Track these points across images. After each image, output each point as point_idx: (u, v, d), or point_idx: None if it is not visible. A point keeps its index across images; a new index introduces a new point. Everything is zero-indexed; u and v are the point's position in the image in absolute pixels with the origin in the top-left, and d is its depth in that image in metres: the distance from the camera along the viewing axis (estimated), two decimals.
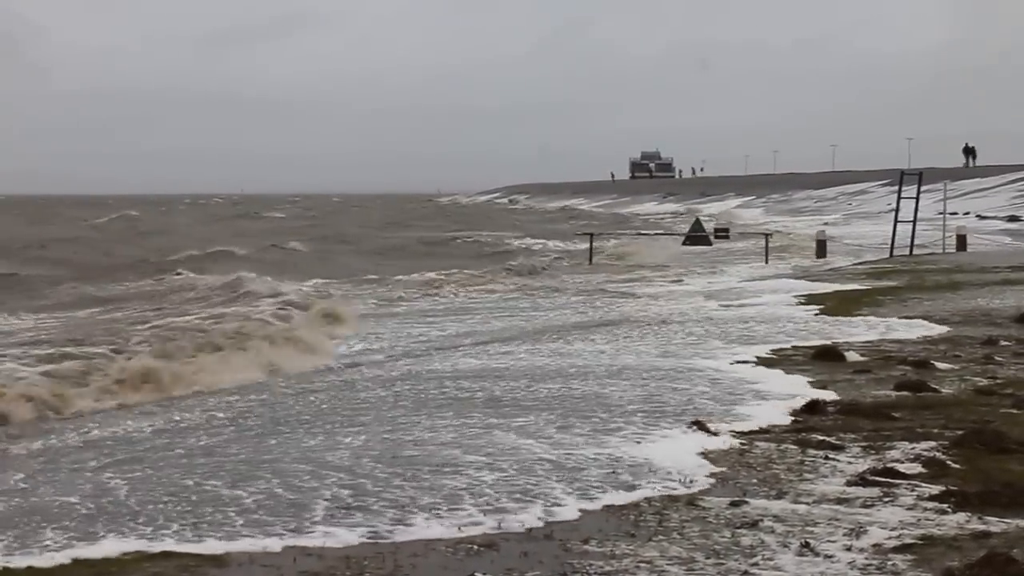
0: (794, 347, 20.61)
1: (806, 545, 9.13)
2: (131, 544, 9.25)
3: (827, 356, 19.38)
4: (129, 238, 76.51)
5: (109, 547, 9.19)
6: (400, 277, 44.94)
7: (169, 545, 9.24)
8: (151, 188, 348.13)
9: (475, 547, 9.18)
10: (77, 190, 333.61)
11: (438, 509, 10.08)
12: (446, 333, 27.24)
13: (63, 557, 9.00)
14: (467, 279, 43.01)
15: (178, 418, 16.30)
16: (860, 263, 44.50)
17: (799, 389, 16.25)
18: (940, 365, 18.38)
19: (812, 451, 12.50)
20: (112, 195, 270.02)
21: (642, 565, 8.75)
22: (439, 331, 27.73)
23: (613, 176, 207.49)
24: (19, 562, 8.87)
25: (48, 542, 9.36)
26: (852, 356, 19.43)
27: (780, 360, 19.25)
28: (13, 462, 14.05)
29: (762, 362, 19.03)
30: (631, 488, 10.85)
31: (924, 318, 24.47)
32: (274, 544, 9.25)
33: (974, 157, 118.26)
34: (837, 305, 28.04)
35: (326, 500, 10.41)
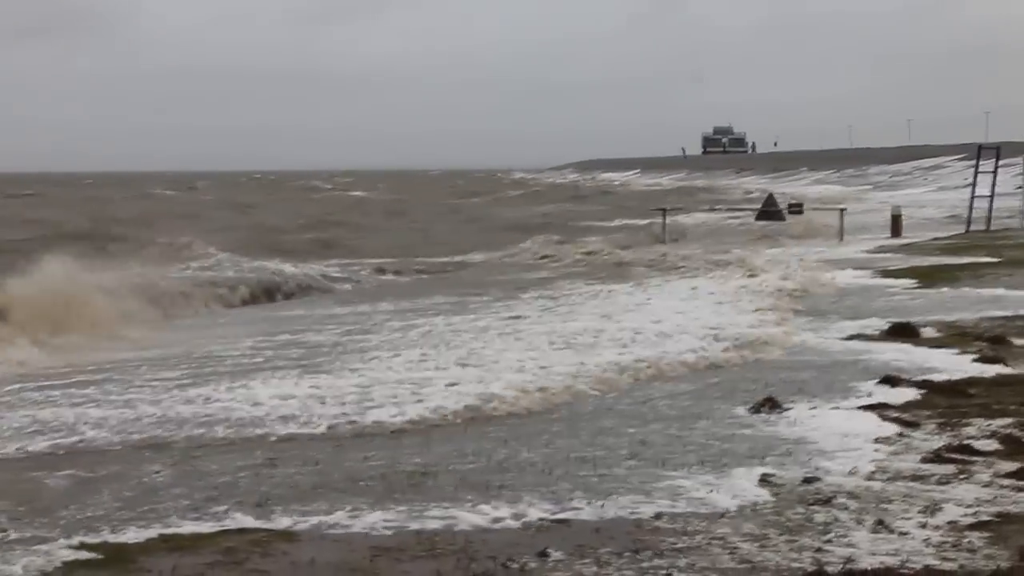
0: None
1: (880, 522, 9.08)
2: None
3: (902, 333, 19.23)
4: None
5: None
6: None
7: None
8: (239, 165, 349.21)
9: None
10: (168, 167, 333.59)
11: None
12: None
13: None
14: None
15: None
16: (936, 239, 44.04)
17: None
18: (1016, 341, 18.19)
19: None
20: (208, 172, 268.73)
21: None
22: None
23: (684, 151, 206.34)
24: None
25: None
26: (927, 332, 19.26)
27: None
28: None
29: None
30: None
31: None
32: None
33: None
34: (920, 279, 27.88)
35: None
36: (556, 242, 44.96)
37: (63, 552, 8.74)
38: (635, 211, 66.21)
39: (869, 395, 14.18)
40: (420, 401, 14.23)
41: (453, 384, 15.13)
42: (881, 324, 20.18)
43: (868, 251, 39.48)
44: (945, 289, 25.97)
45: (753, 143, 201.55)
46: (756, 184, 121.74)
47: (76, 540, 9.03)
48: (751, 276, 29.34)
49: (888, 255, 36.90)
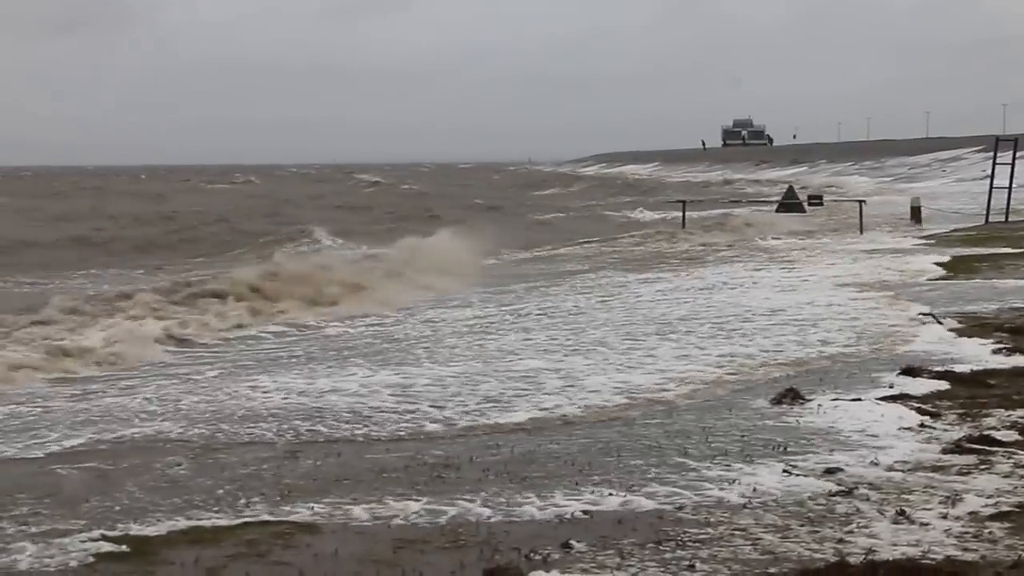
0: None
1: (902, 513, 9.09)
2: None
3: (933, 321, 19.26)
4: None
5: None
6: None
7: None
8: (267, 158, 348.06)
9: None
10: (196, 160, 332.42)
11: None
12: None
13: None
14: None
15: None
16: (956, 230, 43.93)
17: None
18: None
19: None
20: (237, 165, 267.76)
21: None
22: None
23: (704, 144, 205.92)
24: None
25: None
26: (949, 323, 19.24)
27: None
28: None
29: None
30: None
31: None
32: None
33: None
34: (941, 270, 27.95)
35: None
36: (666, 233, 46.44)
37: (85, 545, 8.81)
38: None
39: (891, 386, 14.17)
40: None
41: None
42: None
43: (889, 242, 39.42)
44: (965, 280, 25.91)
45: (770, 136, 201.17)
46: (780, 175, 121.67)
47: (98, 533, 9.09)
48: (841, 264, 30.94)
49: (909, 246, 36.85)
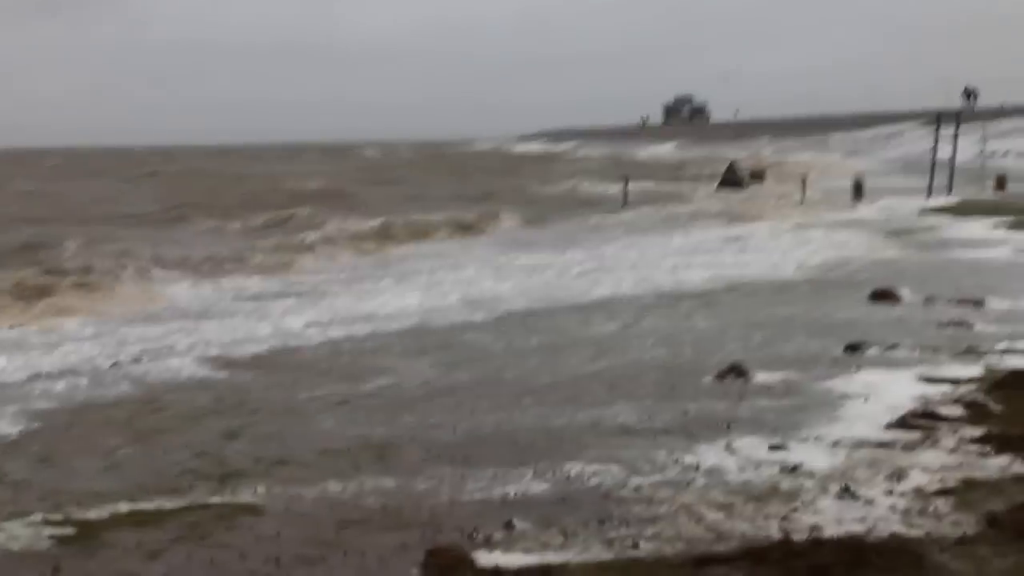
0: None
1: (846, 489, 9.05)
2: None
3: (883, 297, 19.42)
4: None
5: None
6: None
7: None
8: (244, 138, 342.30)
9: None
10: (175, 141, 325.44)
11: None
12: None
13: None
14: None
15: None
16: (898, 203, 44.13)
17: None
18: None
19: None
20: (223, 145, 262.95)
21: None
22: None
23: (643, 121, 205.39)
24: None
25: None
26: (906, 296, 19.38)
27: None
28: None
29: None
30: None
31: None
32: None
33: (975, 99, 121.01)
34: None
35: None
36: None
37: (27, 529, 8.65)
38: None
39: (835, 362, 14.16)
40: None
41: None
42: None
43: (835, 216, 39.51)
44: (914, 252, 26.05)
45: (708, 112, 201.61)
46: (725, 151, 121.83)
47: (40, 516, 8.93)
48: None
49: (856, 219, 36.97)
